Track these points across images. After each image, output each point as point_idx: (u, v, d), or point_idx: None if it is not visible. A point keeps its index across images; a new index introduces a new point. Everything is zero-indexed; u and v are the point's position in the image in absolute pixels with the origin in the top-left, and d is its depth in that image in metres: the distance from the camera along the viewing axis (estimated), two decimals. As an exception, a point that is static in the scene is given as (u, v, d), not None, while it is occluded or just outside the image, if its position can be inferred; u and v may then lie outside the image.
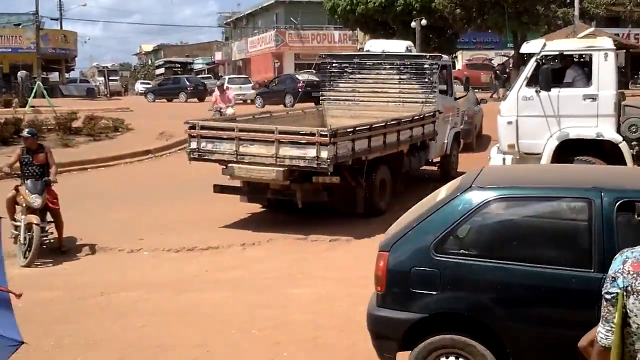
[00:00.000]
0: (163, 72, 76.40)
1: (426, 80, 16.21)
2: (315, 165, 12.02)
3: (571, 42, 15.03)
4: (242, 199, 13.84)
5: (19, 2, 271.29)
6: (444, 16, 40.61)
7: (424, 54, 19.28)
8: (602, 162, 12.25)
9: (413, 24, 42.48)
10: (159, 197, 15.47)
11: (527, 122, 12.72)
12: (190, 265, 10.52)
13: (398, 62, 16.53)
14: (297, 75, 44.05)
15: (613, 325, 3.28)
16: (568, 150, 12.53)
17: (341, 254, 11.21)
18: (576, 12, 34.49)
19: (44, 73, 64.23)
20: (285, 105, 37.23)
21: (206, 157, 13.00)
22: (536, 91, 12.59)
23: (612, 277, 3.40)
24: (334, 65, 17.09)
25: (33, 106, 31.97)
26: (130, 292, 9.01)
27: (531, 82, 12.73)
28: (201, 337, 7.33)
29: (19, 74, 50.43)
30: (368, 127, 13.21)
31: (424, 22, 41.88)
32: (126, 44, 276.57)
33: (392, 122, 13.99)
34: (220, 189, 13.61)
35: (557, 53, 13.20)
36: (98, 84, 67.22)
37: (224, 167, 12.90)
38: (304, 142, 12.16)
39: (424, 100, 16.03)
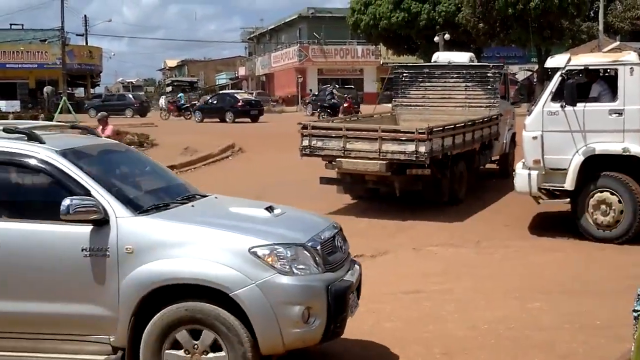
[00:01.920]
0: (171, 90, 76.94)
1: (489, 87, 18.15)
2: (414, 159, 13.89)
3: (596, 56, 14.88)
4: (340, 190, 15.97)
5: (45, 18, 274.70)
6: (467, 30, 40.56)
7: (487, 63, 20.96)
8: (629, 178, 12.16)
9: (436, 38, 42.47)
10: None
11: (553, 137, 12.62)
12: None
13: (464, 71, 18.60)
14: (236, 94, 50.03)
15: (633, 340, 3.27)
16: (594, 165, 12.44)
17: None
18: (600, 27, 34.30)
19: (70, 88, 64.87)
20: (224, 121, 41.99)
21: (316, 153, 14.96)
22: (561, 106, 12.50)
23: (638, 295, 3.38)
24: (405, 75, 19.18)
25: (59, 121, 32.28)
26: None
27: (556, 96, 12.64)
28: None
29: (44, 89, 51.07)
30: (453, 126, 15.16)
31: (447, 36, 41.83)
32: (151, 60, 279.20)
33: (470, 123, 15.94)
34: (326, 180, 15.64)
35: (582, 67, 13.10)
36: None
37: (327, 162, 14.96)
38: (404, 139, 14.03)
39: (488, 104, 17.89)
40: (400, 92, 19.16)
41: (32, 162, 5.97)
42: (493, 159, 19.15)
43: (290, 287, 5.56)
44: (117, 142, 7.53)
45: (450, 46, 43.00)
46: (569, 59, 13.03)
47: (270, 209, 6.40)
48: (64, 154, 6.03)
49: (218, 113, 44.21)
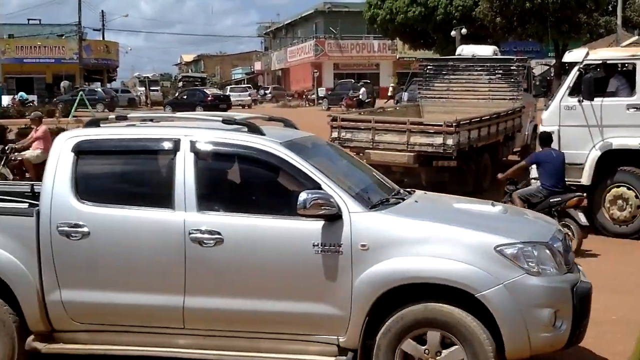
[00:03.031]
0: (183, 85, 77.98)
1: (513, 80, 18.37)
2: (441, 151, 14.12)
3: (614, 50, 14.80)
4: None
5: (62, 14, 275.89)
6: (485, 25, 40.34)
7: (512, 57, 21.16)
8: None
9: (453, 33, 42.28)
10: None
11: (569, 132, 12.54)
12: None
13: (488, 64, 18.86)
14: (205, 90, 55.13)
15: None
16: (611, 160, 12.36)
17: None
18: (619, 21, 34.04)
19: (86, 83, 65.07)
20: None
21: (346, 145, 14.68)
22: (579, 101, 12.41)
23: None
24: (429, 67, 19.53)
25: (76, 116, 32.36)
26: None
27: (574, 91, 12.56)
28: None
29: (62, 84, 51.34)
30: (479, 118, 15.40)
31: (464, 31, 41.62)
32: (167, 54, 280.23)
33: (495, 115, 16.14)
34: None
35: (600, 62, 13.01)
36: (139, 94, 67.92)
37: (355, 153, 14.41)
38: (432, 131, 14.26)
39: (511, 97, 18.08)
40: (425, 84, 19.45)
41: (257, 154, 5.76)
42: (515, 150, 19.44)
43: (540, 288, 5.33)
44: (316, 135, 7.11)
45: (467, 40, 42.74)
46: (587, 54, 12.94)
47: (493, 205, 6.23)
48: (288, 145, 5.84)
49: (188, 107, 46.17)
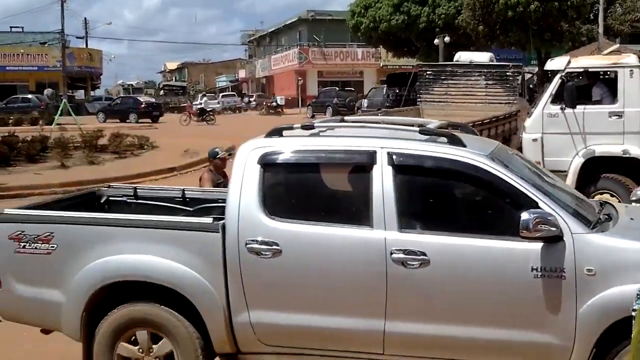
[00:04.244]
0: (164, 93, 79.68)
1: (508, 85, 19.07)
2: None
3: (596, 59, 14.91)
4: None
5: (45, 21, 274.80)
6: (467, 33, 40.55)
7: (507, 63, 21.80)
8: (629, 180, 12.18)
9: (436, 41, 42.50)
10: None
11: (553, 139, 12.65)
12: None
13: (485, 70, 19.51)
14: (139, 97, 56.88)
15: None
16: (594, 167, 12.46)
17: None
18: (600, 29, 34.30)
19: (70, 91, 64.90)
20: (126, 122, 46.04)
21: None
22: (561, 108, 12.52)
23: (637, 294, 3.41)
24: (429, 73, 20.13)
25: (59, 124, 32.30)
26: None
27: (556, 99, 12.67)
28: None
29: (45, 92, 51.11)
30: (481, 121, 15.42)
31: (447, 39, 41.87)
32: (151, 62, 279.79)
33: (494, 119, 16.28)
34: None
35: (582, 70, 13.14)
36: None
37: None
38: None
39: (507, 101, 18.67)
40: (424, 89, 19.99)
41: (463, 168, 5.30)
42: None
43: None
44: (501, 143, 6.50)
45: (450, 49, 43.07)
46: (569, 62, 13.06)
47: None
48: (494, 158, 5.38)
49: (121, 114, 49.34)
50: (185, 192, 7.41)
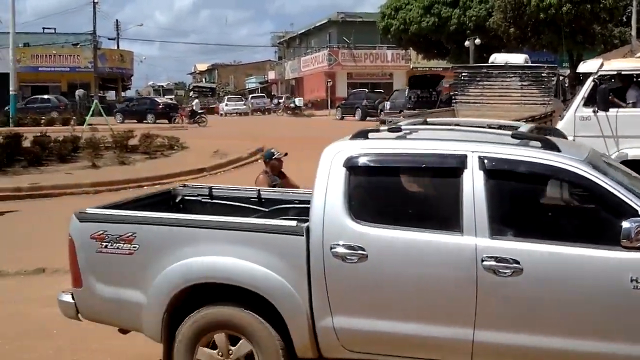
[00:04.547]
0: (193, 94, 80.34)
1: (544, 86, 19.37)
2: None
3: (629, 61, 14.79)
4: None
5: (77, 23, 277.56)
6: (498, 35, 40.33)
7: (542, 64, 23.01)
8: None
9: (467, 43, 42.33)
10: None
11: (584, 142, 12.53)
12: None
13: (520, 71, 19.83)
14: (156, 99, 58.02)
15: None
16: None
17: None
18: (633, 32, 33.94)
19: (101, 92, 65.48)
20: (144, 122, 46.65)
21: None
22: (593, 111, 12.42)
23: None
24: (464, 75, 20.49)
25: (90, 124, 32.52)
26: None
27: (588, 102, 12.56)
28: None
29: (76, 92, 51.63)
30: (521, 121, 16.13)
31: (477, 41, 41.66)
32: (181, 64, 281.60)
33: (530, 119, 16.07)
34: None
35: (615, 73, 13.01)
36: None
37: None
38: None
39: (542, 102, 18.90)
40: (460, 90, 20.36)
41: (558, 174, 5.16)
42: None
43: None
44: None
45: (480, 51, 42.88)
46: (602, 64, 12.95)
47: None
48: (591, 164, 5.17)
49: (139, 114, 50.07)
50: (261, 192, 7.39)
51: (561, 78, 49.54)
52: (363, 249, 5.21)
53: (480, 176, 5.16)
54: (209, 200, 7.43)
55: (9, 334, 7.96)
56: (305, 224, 5.38)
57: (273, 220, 5.89)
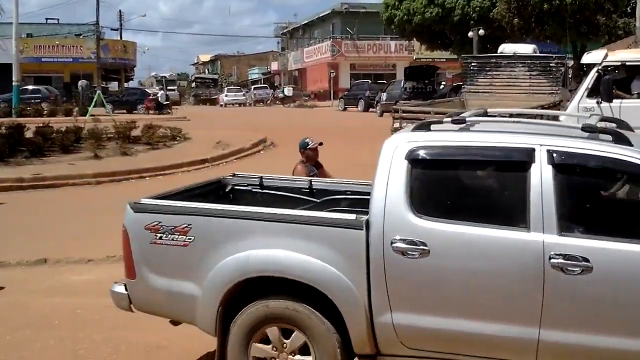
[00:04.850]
0: (196, 86, 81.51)
1: (552, 76, 19.72)
2: None
3: (633, 52, 14.74)
4: None
5: (80, 13, 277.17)
6: (502, 26, 40.21)
7: (550, 54, 23.64)
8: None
9: (470, 34, 42.21)
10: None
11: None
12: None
13: (528, 61, 20.17)
14: (146, 89, 59.70)
15: None
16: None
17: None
18: (638, 23, 33.73)
19: (104, 82, 65.37)
20: (132, 113, 47.49)
21: None
22: (597, 102, 12.37)
23: None
24: (473, 64, 20.98)
25: (93, 115, 32.51)
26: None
27: (592, 93, 12.50)
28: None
29: (79, 83, 51.47)
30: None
31: (481, 32, 41.55)
32: (184, 54, 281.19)
33: (539, 107, 16.54)
34: None
35: (619, 63, 12.95)
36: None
37: None
38: None
39: (550, 92, 19.22)
40: (469, 80, 20.83)
41: (634, 169, 4.95)
42: None
43: None
44: None
45: (484, 42, 42.77)
46: (606, 55, 12.92)
47: None
48: None
49: (129, 105, 51.58)
50: (313, 183, 7.30)
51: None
52: (425, 244, 5.08)
53: (548, 170, 4.99)
54: (259, 190, 7.36)
55: (10, 324, 7.95)
56: (365, 218, 5.25)
57: (332, 214, 5.81)
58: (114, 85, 73.41)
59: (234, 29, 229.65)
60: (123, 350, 7.20)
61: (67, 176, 18.57)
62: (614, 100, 12.25)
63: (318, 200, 7.12)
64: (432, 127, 5.57)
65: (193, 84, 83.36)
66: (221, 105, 66.62)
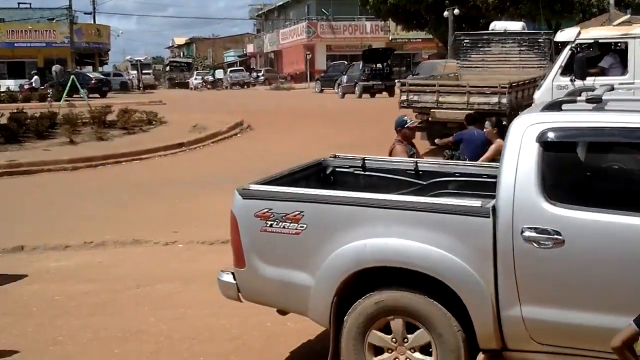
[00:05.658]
0: (170, 69, 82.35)
1: (540, 51, 20.35)
2: (497, 108, 16.13)
3: (606, 30, 14.80)
4: (423, 137, 17.44)
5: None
6: (477, 5, 40.29)
7: (539, 31, 24.38)
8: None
9: (445, 13, 42.22)
10: (193, 190, 15.53)
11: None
12: (225, 257, 10.50)
13: (518, 37, 20.93)
14: (89, 74, 58.05)
15: None
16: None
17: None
18: (611, 0, 34.02)
19: (78, 67, 64.81)
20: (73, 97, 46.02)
21: (413, 106, 17.92)
22: (571, 80, 12.44)
23: None
24: (466, 41, 21.66)
25: (67, 100, 32.26)
26: (166, 284, 9.03)
27: (566, 70, 12.58)
28: (237, 330, 7.34)
29: (53, 68, 51.00)
30: (523, 82, 17.69)
31: (456, 11, 41.59)
32: (159, 38, 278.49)
33: (531, 80, 17.91)
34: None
35: (592, 41, 13.03)
36: (131, 78, 67.84)
37: (417, 113, 17.57)
38: (489, 92, 16.78)
39: (539, 65, 19.65)
40: (462, 56, 21.54)
41: None
42: None
43: None
44: None
45: (459, 21, 42.80)
46: (579, 33, 12.98)
47: None
48: None
49: (71, 89, 49.05)
50: (419, 164, 6.98)
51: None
52: (559, 233, 4.71)
53: None
54: (362, 172, 7.09)
55: (-13, 312, 7.92)
56: (491, 204, 4.93)
57: (454, 200, 5.58)
58: (88, 70, 72.80)
59: (209, 11, 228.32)
60: (102, 336, 7.19)
61: (42, 162, 18.47)
62: (588, 78, 12.32)
63: (424, 183, 6.82)
64: (564, 106, 5.20)
65: (167, 68, 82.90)
66: (190, 89, 67.87)
